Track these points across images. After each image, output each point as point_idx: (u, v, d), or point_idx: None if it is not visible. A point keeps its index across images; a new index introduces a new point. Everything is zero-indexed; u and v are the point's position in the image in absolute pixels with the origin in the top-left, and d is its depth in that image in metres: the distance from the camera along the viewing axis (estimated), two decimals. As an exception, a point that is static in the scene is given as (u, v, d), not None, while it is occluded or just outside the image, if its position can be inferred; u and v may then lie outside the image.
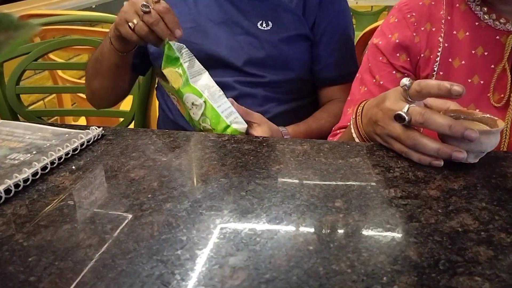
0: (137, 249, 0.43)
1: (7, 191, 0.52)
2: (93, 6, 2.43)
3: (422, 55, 0.79)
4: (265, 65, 0.98)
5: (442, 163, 0.57)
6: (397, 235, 0.44)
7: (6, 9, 1.94)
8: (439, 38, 0.78)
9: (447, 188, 0.52)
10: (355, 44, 1.33)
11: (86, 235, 0.45)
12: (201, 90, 0.76)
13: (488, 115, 0.59)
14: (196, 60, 0.80)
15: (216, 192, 0.52)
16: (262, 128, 0.82)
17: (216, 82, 0.80)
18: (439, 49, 0.77)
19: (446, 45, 0.77)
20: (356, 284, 0.38)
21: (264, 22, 0.99)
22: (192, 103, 0.76)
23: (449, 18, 0.78)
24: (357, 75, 0.89)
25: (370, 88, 0.83)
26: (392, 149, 0.61)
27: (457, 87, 0.55)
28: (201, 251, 0.42)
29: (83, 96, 1.88)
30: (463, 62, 0.76)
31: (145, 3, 0.76)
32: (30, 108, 1.46)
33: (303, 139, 0.67)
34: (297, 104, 1.03)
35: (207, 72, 0.80)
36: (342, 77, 1.04)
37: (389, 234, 0.44)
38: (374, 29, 1.41)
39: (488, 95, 0.74)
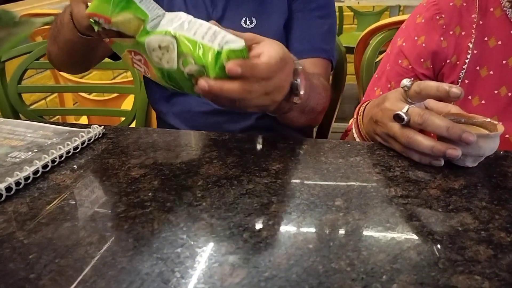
0: (137, 247, 0.43)
1: (8, 189, 0.53)
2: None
3: (448, 61, 0.77)
4: None
5: (442, 162, 0.57)
6: (397, 234, 0.44)
7: (8, 8, 1.94)
8: (469, 44, 0.74)
9: (448, 187, 0.52)
10: (357, 43, 1.32)
11: (86, 233, 0.45)
12: (164, 28, 0.56)
13: (488, 120, 0.58)
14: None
15: (216, 191, 0.52)
16: (272, 45, 0.58)
17: None
18: (468, 56, 0.75)
19: (475, 52, 0.74)
20: (356, 282, 0.38)
21: (247, 19, 0.91)
22: (159, 47, 0.56)
23: (481, 23, 0.74)
24: (375, 74, 0.88)
25: (385, 92, 0.82)
26: (393, 148, 0.61)
27: (455, 89, 0.55)
28: (201, 249, 0.42)
29: (85, 95, 1.88)
30: (491, 72, 0.74)
31: None
32: (31, 107, 1.47)
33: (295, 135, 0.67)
34: None
35: (168, 13, 0.59)
36: (313, 50, 0.91)
37: (389, 233, 0.44)
38: (376, 29, 1.41)
39: None
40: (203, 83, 0.52)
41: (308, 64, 0.91)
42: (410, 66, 0.80)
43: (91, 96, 1.94)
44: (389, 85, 0.81)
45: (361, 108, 0.72)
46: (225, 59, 0.52)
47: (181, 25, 0.55)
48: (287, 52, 0.59)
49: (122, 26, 0.56)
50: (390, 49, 0.87)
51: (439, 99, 0.58)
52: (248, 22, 0.90)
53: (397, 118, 0.58)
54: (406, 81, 0.58)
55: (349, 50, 1.36)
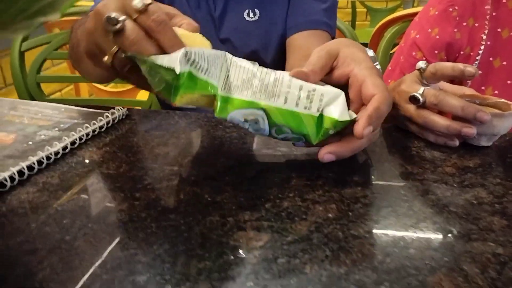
0: (165, 214, 0.45)
1: (39, 162, 0.55)
2: None
3: (462, 52, 0.78)
4: (260, 61, 0.88)
5: (457, 143, 0.58)
6: (413, 205, 0.46)
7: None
8: (482, 35, 0.76)
9: (463, 165, 0.54)
10: (371, 35, 1.33)
11: (116, 202, 0.48)
12: (246, 98, 0.48)
13: (502, 100, 0.60)
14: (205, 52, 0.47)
15: (238, 167, 0.54)
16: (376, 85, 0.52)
17: None
18: (481, 47, 0.76)
19: (488, 43, 0.76)
20: (374, 247, 0.40)
21: (250, 11, 0.89)
22: (245, 120, 0.48)
23: (494, 14, 0.75)
24: (389, 66, 0.89)
25: None
26: (409, 130, 0.63)
27: (470, 68, 0.56)
28: (225, 218, 0.44)
29: (101, 87, 1.92)
30: (504, 63, 0.75)
31: (115, 13, 0.44)
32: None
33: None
34: None
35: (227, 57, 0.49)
36: (311, 22, 0.87)
37: (406, 204, 0.46)
38: (390, 21, 1.42)
39: None
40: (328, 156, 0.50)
41: (304, 37, 0.86)
42: (424, 58, 0.81)
43: (107, 88, 1.97)
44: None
45: None
46: (331, 129, 0.47)
47: (262, 87, 0.47)
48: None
49: (191, 104, 0.47)
50: (404, 42, 0.88)
51: (454, 79, 0.60)
52: (251, 15, 0.89)
53: (413, 99, 0.59)
54: (421, 63, 0.59)
55: (363, 45, 1.37)
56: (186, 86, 0.43)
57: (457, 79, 0.60)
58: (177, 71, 0.42)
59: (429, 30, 0.82)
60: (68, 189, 0.50)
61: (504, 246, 0.39)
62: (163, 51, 0.45)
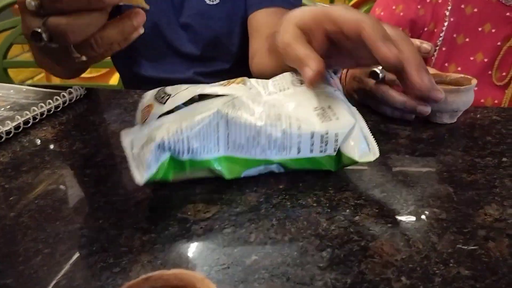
0: (114, 189, 0.45)
1: (-10, 142, 0.54)
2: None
3: (425, 28, 0.78)
4: (223, 47, 0.87)
5: (413, 116, 0.59)
6: (363, 175, 0.46)
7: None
8: (445, 11, 0.76)
9: (416, 137, 0.54)
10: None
11: (66, 178, 0.47)
12: (260, 157, 0.44)
13: (463, 75, 0.60)
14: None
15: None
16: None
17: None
18: (445, 24, 0.77)
19: (452, 19, 0.76)
20: (320, 215, 0.40)
21: None
22: (259, 174, 0.46)
23: None
24: None
25: None
26: (368, 105, 0.63)
27: (426, 45, 0.57)
28: (176, 191, 0.44)
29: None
30: (467, 39, 0.75)
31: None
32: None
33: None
34: None
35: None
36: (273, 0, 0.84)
37: (356, 174, 0.46)
38: (361, 2, 1.42)
39: (490, 72, 0.74)
40: None
41: (265, 16, 0.83)
42: None
43: (78, 73, 1.93)
44: None
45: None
46: (350, 165, 0.45)
47: (271, 143, 0.43)
48: None
49: (190, 177, 0.44)
50: None
51: None
52: None
53: (373, 74, 0.60)
54: None
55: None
56: (174, 167, 0.41)
57: None
58: (137, 182, 0.38)
59: (394, 7, 0.82)
60: (17, 167, 0.49)
61: (448, 212, 0.40)
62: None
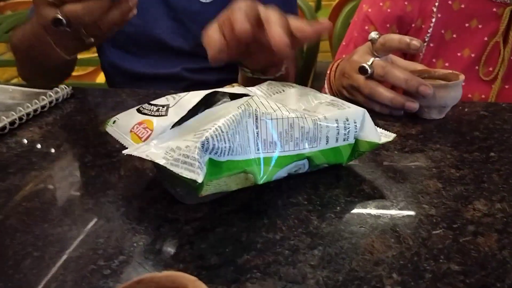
0: (103, 191, 0.44)
1: (-25, 144, 0.53)
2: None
3: (413, 25, 0.79)
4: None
5: (401, 112, 0.59)
6: (352, 172, 0.46)
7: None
8: (433, 7, 0.77)
9: (405, 133, 0.55)
10: (328, 15, 1.33)
11: (53, 179, 0.46)
12: (291, 153, 0.42)
13: (451, 71, 0.61)
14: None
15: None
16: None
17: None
18: (432, 20, 0.77)
19: (439, 16, 0.77)
20: (311, 213, 0.40)
21: None
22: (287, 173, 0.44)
23: None
24: (343, 42, 0.89)
25: None
26: (356, 100, 0.63)
27: (415, 42, 0.57)
28: (165, 190, 0.44)
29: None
30: (454, 35, 0.76)
31: None
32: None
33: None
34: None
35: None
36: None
37: (345, 171, 0.46)
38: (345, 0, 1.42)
39: (477, 68, 0.75)
40: None
41: None
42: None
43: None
44: None
45: (334, 64, 0.74)
46: (367, 151, 0.45)
47: (304, 136, 0.42)
48: None
49: (221, 190, 0.39)
50: (357, 16, 0.88)
51: (401, 51, 0.60)
52: None
53: (362, 70, 0.60)
54: (373, 34, 0.60)
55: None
56: (210, 173, 0.36)
57: (404, 52, 0.61)
58: (199, 181, 0.33)
59: (381, 4, 0.82)
60: (4, 169, 0.49)
61: (437, 208, 0.40)
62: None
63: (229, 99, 0.43)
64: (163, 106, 0.41)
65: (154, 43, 0.87)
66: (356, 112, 0.44)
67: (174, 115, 0.40)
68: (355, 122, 0.44)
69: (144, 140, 0.39)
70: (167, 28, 0.86)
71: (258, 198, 0.42)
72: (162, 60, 0.86)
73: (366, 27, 0.84)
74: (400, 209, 0.40)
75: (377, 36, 0.60)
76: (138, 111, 0.42)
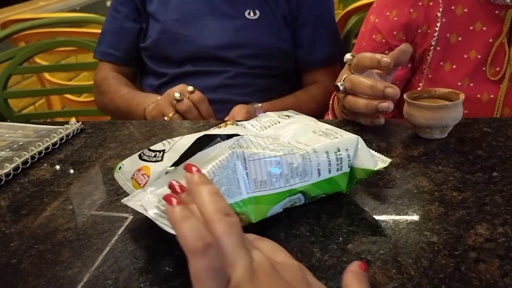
0: (112, 229, 0.45)
1: (-10, 186, 0.55)
2: (77, 8, 2.45)
3: (419, 30, 0.81)
4: (256, 55, 0.98)
5: (382, 120, 0.61)
6: (355, 199, 0.47)
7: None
8: (437, 13, 0.78)
9: (407, 155, 0.55)
10: (337, 19, 1.34)
11: (64, 220, 0.48)
12: (286, 188, 0.43)
13: (451, 90, 0.61)
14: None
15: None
16: (236, 109, 0.85)
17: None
18: (437, 25, 0.78)
19: (444, 20, 0.79)
20: (314, 245, 0.41)
21: (251, 11, 0.98)
22: (283, 209, 0.45)
23: None
24: (352, 52, 0.91)
25: None
26: (350, 119, 0.65)
27: (386, 59, 0.58)
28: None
29: (72, 97, 1.90)
30: (459, 38, 0.77)
31: (178, 93, 0.77)
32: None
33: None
34: (282, 91, 1.03)
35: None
36: (326, 60, 1.04)
37: (347, 199, 0.47)
38: (356, 8, 1.43)
39: (484, 68, 0.76)
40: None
41: (319, 76, 1.06)
42: (384, 40, 0.83)
43: (79, 98, 1.95)
44: None
45: (333, 94, 0.76)
46: (363, 178, 0.46)
47: (293, 172, 0.42)
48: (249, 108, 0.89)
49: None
50: (364, 27, 0.90)
51: (373, 68, 0.61)
52: (252, 14, 0.98)
53: (336, 88, 0.62)
54: (348, 55, 0.62)
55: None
56: None
57: (376, 68, 0.62)
58: None
59: (388, 14, 0.84)
60: (17, 211, 0.50)
61: (439, 234, 0.41)
62: (203, 117, 0.78)
63: (221, 140, 0.44)
64: (159, 151, 0.43)
65: (201, 52, 0.98)
66: (348, 140, 0.45)
67: (168, 160, 0.41)
68: (347, 151, 0.44)
69: (143, 186, 0.40)
70: (214, 38, 0.98)
71: (260, 232, 0.43)
72: (208, 66, 0.99)
73: (374, 36, 0.85)
74: (402, 237, 0.41)
75: (351, 57, 0.62)
76: (139, 157, 0.44)
